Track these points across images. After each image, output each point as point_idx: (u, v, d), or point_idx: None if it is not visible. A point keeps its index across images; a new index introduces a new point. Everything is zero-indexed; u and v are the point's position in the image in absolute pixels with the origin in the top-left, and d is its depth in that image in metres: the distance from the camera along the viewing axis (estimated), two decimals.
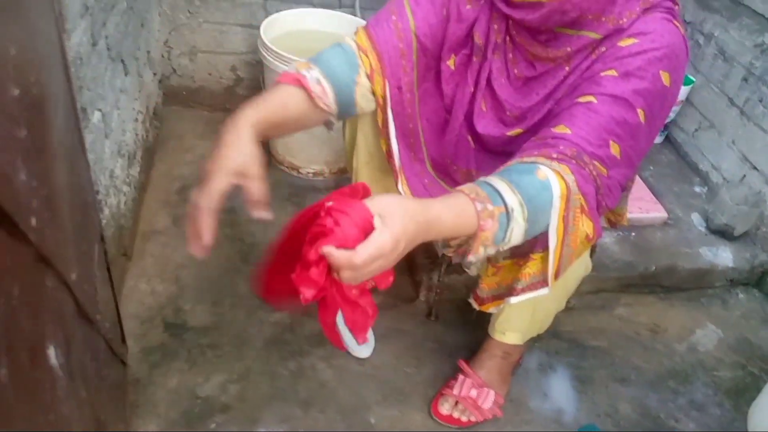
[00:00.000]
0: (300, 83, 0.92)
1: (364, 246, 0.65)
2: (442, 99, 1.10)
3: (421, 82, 1.08)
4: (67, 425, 0.54)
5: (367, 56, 1.00)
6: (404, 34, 1.01)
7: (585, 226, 0.85)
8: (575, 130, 0.85)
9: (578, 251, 0.89)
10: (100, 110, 1.23)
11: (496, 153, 1.08)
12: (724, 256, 1.61)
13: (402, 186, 1.12)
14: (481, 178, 0.83)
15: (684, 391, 1.38)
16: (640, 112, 0.85)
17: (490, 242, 0.78)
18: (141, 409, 1.19)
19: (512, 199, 0.78)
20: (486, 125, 1.04)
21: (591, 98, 0.87)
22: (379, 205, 0.69)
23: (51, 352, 0.49)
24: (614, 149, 0.85)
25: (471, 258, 0.79)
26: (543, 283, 0.94)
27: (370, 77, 1.00)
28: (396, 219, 0.68)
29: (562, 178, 0.80)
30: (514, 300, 1.00)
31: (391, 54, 1.01)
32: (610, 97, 0.86)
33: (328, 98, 0.96)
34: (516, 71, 0.99)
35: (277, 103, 0.91)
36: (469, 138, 1.09)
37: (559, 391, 1.35)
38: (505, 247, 0.82)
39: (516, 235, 0.80)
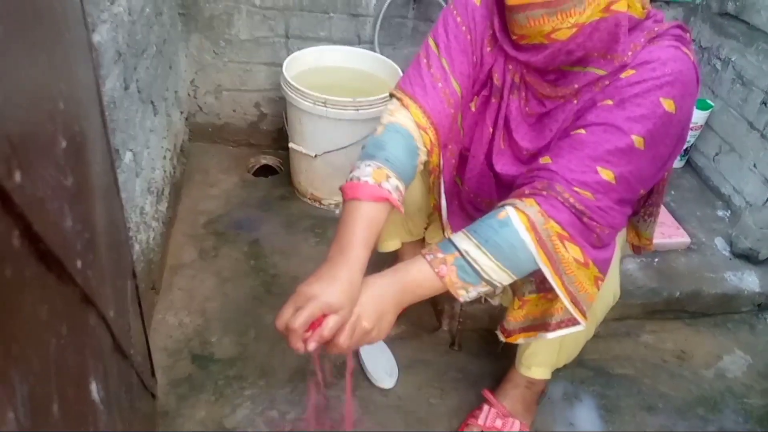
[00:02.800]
0: (387, 201, 0.91)
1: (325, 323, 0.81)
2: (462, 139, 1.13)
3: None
4: None
5: (426, 133, 1.00)
6: (453, 99, 1.02)
7: (571, 251, 0.87)
8: (556, 159, 0.90)
9: (585, 278, 0.90)
10: (131, 150, 1.28)
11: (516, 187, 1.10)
12: (749, 280, 1.60)
13: (447, 232, 1.17)
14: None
15: (713, 419, 1.36)
16: (635, 138, 0.86)
17: (459, 284, 0.86)
18: None
19: (466, 244, 0.86)
20: (504, 164, 1.07)
21: (581, 130, 0.90)
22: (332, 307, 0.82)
23: (93, 387, 0.51)
24: (605, 174, 0.87)
25: (462, 299, 0.88)
26: (576, 320, 0.96)
27: (429, 152, 1.03)
28: (346, 309, 0.82)
29: (522, 212, 0.86)
30: (550, 336, 1.02)
31: (445, 123, 1.03)
32: (601, 125, 0.88)
33: (401, 199, 0.95)
34: (528, 109, 1.01)
35: (375, 231, 0.90)
36: (491, 174, 1.12)
37: (586, 421, 1.33)
38: (495, 285, 0.88)
39: (492, 272, 0.86)
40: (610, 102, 0.89)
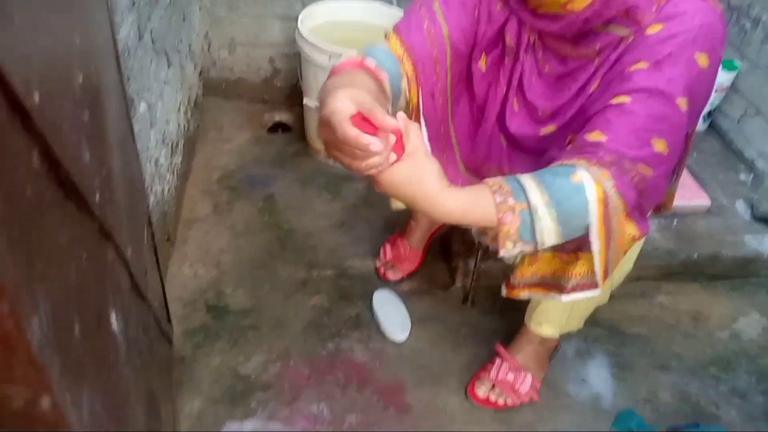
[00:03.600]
0: (364, 66, 0.87)
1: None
2: (473, 100, 1.10)
3: (454, 86, 1.08)
4: (127, 389, 0.58)
5: (402, 64, 0.98)
6: (438, 40, 1.00)
7: (630, 228, 0.84)
8: (611, 136, 0.83)
9: (624, 251, 0.89)
10: (145, 101, 1.28)
11: (529, 152, 1.08)
12: None
13: None
14: (514, 175, 0.83)
15: (726, 378, 1.36)
16: (680, 101, 0.82)
17: (515, 237, 0.80)
18: (185, 387, 1.24)
19: (537, 199, 0.79)
20: (519, 125, 1.04)
21: (624, 98, 0.84)
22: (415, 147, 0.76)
23: (113, 318, 0.52)
24: (659, 146, 0.82)
25: (502, 253, 0.82)
26: (593, 285, 0.94)
27: (409, 83, 1.00)
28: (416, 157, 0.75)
29: (600, 183, 0.80)
30: (564, 299, 1.00)
31: (425, 62, 1.00)
32: (644, 92, 0.83)
33: (386, 84, 0.91)
34: (547, 69, 0.98)
35: (356, 82, 0.81)
36: (502, 138, 1.09)
37: (598, 378, 1.34)
38: (543, 247, 0.82)
39: (548, 235, 0.80)
40: (644, 64, 0.84)
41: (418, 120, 1.05)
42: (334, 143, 0.72)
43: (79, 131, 0.52)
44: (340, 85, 0.76)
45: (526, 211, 0.79)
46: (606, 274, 0.90)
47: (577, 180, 0.80)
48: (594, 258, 0.87)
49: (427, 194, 0.77)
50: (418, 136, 0.76)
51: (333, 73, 0.88)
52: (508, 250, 0.81)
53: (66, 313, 0.38)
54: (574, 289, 1.00)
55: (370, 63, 0.88)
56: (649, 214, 1.05)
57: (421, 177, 0.77)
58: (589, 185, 0.79)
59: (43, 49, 0.43)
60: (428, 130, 1.07)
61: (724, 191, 1.71)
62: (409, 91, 1.01)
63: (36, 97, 0.38)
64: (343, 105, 0.70)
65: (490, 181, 0.82)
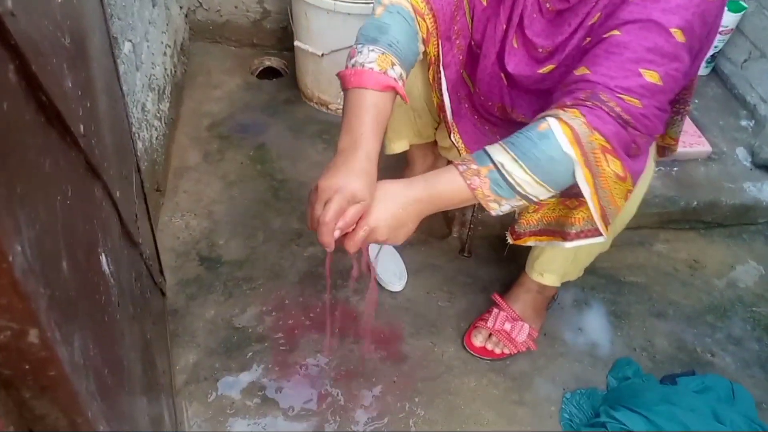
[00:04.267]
0: (394, 90, 0.86)
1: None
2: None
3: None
4: (121, 334, 0.55)
5: (423, 20, 0.94)
6: None
7: (612, 165, 0.82)
8: (595, 68, 0.82)
9: (618, 192, 0.86)
10: (130, 41, 1.21)
11: (529, 91, 1.04)
12: None
13: (454, 136, 1.12)
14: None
15: (722, 326, 1.37)
16: (675, 32, 0.80)
17: (491, 198, 0.82)
18: (180, 339, 1.22)
19: (502, 156, 0.81)
20: (517, 64, 1.00)
21: (615, 32, 0.82)
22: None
23: (103, 258, 0.49)
24: (650, 76, 0.81)
25: (494, 213, 0.84)
26: (597, 231, 0.93)
27: (425, 41, 0.96)
28: (367, 200, 0.80)
29: (566, 123, 0.79)
30: (568, 245, 1.00)
31: (447, 10, 0.96)
32: (636, 23, 0.81)
33: (403, 89, 0.90)
34: (549, 5, 0.94)
35: (384, 121, 0.85)
36: (502, 76, 1.05)
37: (594, 326, 1.34)
38: (531, 199, 0.83)
39: (529, 186, 0.81)
40: None
41: (438, 71, 1.01)
42: (313, 209, 0.79)
43: (60, 54, 0.47)
44: (366, 145, 0.81)
45: (493, 170, 0.81)
46: (605, 218, 0.89)
47: (544, 127, 0.81)
48: (588, 202, 0.86)
49: (404, 224, 0.83)
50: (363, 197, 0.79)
51: (354, 79, 0.85)
52: (496, 210, 0.84)
53: (52, 244, 0.34)
54: (578, 236, 0.99)
55: (397, 79, 0.87)
56: (651, 154, 1.02)
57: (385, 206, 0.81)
58: (556, 128, 0.80)
59: None
60: (447, 78, 1.04)
61: (725, 137, 1.69)
62: (428, 45, 0.97)
63: (9, 2, 0.33)
64: (336, 209, 0.77)
65: (455, 161, 0.85)
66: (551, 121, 0.80)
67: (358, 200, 0.78)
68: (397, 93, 0.87)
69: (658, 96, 0.82)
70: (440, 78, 1.03)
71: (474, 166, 0.82)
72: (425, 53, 0.98)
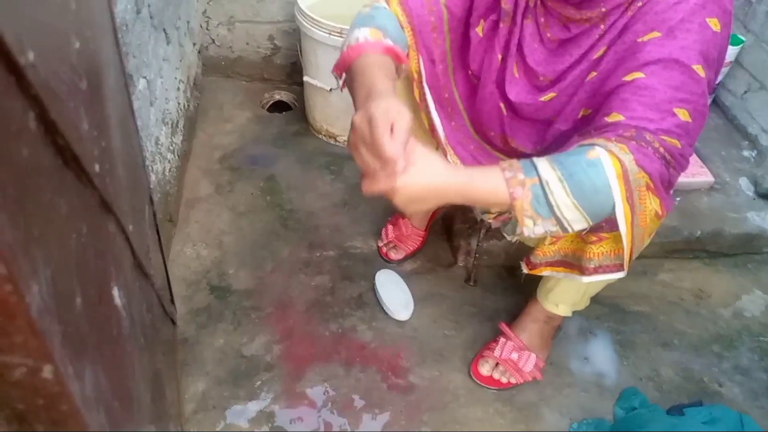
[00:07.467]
0: (394, 52, 0.87)
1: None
2: (468, 67, 1.09)
3: (454, 52, 1.07)
4: (131, 366, 0.57)
5: (403, 30, 0.98)
6: (435, 7, 0.99)
7: (652, 203, 0.83)
8: (629, 113, 0.82)
9: (649, 229, 0.87)
10: (145, 78, 1.26)
11: (530, 119, 1.07)
12: None
13: (451, 157, 1.12)
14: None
15: (729, 356, 1.36)
16: (697, 68, 0.81)
17: (530, 212, 0.78)
18: (190, 367, 1.24)
19: (548, 173, 0.78)
20: (519, 92, 1.02)
21: (638, 74, 0.83)
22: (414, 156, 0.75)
23: (115, 292, 0.51)
24: (683, 115, 0.81)
25: (526, 232, 0.80)
26: (618, 266, 0.93)
27: (408, 55, 0.99)
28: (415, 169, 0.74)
29: (617, 157, 0.78)
30: (586, 279, 1.00)
31: (423, 28, 0.99)
32: (659, 63, 0.82)
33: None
34: (549, 34, 0.96)
35: (392, 77, 0.85)
36: (501, 105, 1.08)
37: (600, 356, 1.34)
38: (568, 226, 0.81)
39: (566, 210, 0.79)
40: (657, 34, 0.83)
41: (421, 88, 1.04)
42: (364, 141, 0.73)
43: (77, 98, 0.50)
44: (383, 84, 0.78)
45: (537, 185, 0.78)
46: (632, 254, 0.89)
47: (594, 156, 0.79)
48: (622, 238, 0.85)
49: (425, 200, 0.77)
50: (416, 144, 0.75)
51: (353, 52, 0.87)
52: (529, 228, 0.80)
53: (67, 282, 0.37)
54: (596, 271, 0.99)
55: (395, 45, 0.88)
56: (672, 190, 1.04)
57: (428, 171, 0.76)
58: (606, 160, 0.78)
59: (36, 7, 0.42)
60: (433, 96, 1.06)
61: (728, 168, 1.70)
62: (410, 59, 1.00)
63: (30, 56, 0.37)
64: (400, 116, 0.71)
65: (503, 162, 0.81)
66: (600, 151, 0.79)
67: (403, 113, 0.73)
68: (397, 57, 0.88)
69: (692, 133, 0.84)
70: (425, 95, 1.05)
71: (521, 176, 0.78)
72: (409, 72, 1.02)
